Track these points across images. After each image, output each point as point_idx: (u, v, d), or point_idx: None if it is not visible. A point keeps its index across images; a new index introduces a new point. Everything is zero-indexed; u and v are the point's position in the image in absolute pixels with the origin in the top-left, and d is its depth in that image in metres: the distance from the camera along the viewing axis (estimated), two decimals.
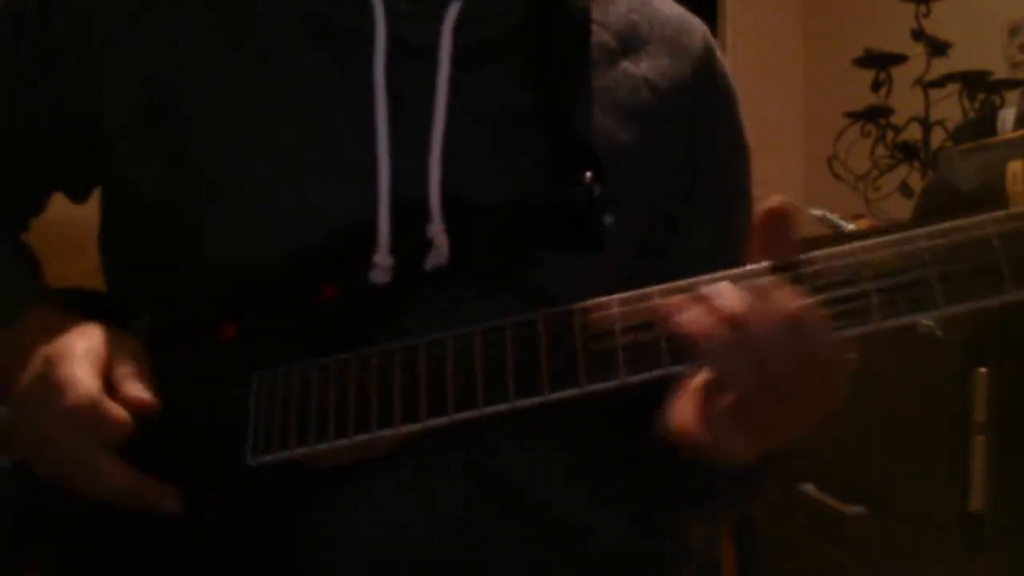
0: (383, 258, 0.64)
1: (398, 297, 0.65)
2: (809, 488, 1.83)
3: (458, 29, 0.68)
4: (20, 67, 0.74)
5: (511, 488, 0.68)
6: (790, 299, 0.54)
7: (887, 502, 1.66)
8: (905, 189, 2.29)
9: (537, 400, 0.58)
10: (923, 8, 2.34)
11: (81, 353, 0.62)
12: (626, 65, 0.74)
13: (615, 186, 0.69)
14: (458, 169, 0.67)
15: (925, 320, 0.55)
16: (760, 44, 2.95)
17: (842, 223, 2.12)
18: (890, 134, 2.39)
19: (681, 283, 0.58)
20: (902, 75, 2.36)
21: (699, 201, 0.77)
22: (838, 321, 0.55)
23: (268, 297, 0.67)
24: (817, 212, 2.16)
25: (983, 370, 1.44)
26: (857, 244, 0.57)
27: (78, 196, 0.79)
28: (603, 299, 0.60)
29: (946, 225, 0.56)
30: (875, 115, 2.37)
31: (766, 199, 0.58)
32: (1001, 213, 0.55)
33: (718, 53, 0.80)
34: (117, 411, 0.61)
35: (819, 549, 1.89)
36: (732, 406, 0.56)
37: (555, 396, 0.58)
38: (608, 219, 0.67)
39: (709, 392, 0.57)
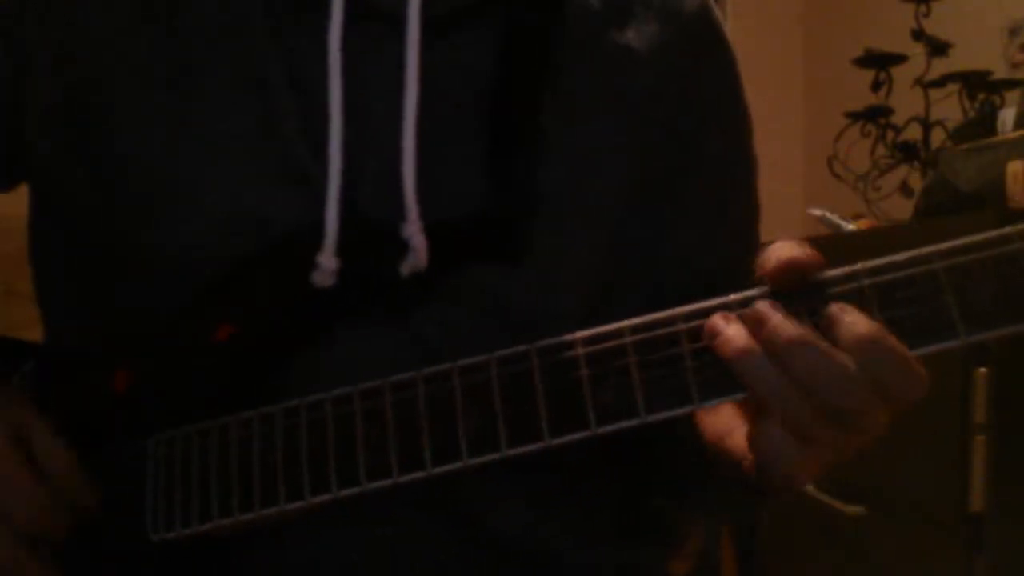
0: (328, 259, 0.56)
1: (341, 306, 0.57)
2: (809, 488, 1.83)
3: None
4: None
5: (467, 518, 0.62)
6: (856, 321, 0.47)
7: (887, 502, 1.66)
8: (905, 189, 2.28)
9: (493, 456, 0.51)
10: (923, 8, 2.34)
11: (7, 444, 0.56)
12: (612, 35, 0.66)
13: (583, 184, 0.63)
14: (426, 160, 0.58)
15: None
16: (760, 44, 2.96)
17: (842, 223, 2.11)
18: (890, 134, 2.38)
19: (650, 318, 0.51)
20: (902, 75, 2.36)
21: (694, 189, 0.69)
22: (907, 339, 0.48)
23: (166, 335, 0.59)
24: (817, 212, 2.16)
25: (983, 370, 1.44)
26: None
27: (1, 184, 0.71)
28: (566, 337, 0.52)
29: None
30: (875, 115, 2.37)
31: (771, 244, 0.52)
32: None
33: (714, 12, 0.71)
34: (58, 518, 0.56)
35: (819, 549, 1.88)
36: (784, 432, 0.49)
37: (475, 460, 0.52)
38: (543, 226, 0.60)
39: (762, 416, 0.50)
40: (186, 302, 0.59)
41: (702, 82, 0.69)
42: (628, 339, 0.51)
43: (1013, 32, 2.38)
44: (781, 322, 0.48)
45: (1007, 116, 1.90)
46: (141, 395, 0.60)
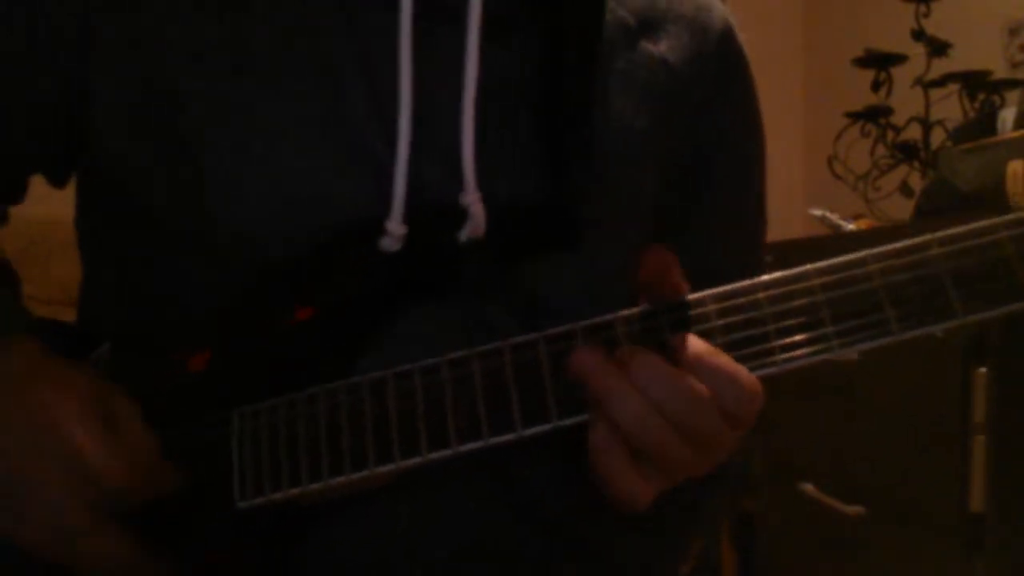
0: (396, 225, 0.60)
1: (411, 268, 0.61)
2: (809, 488, 1.84)
3: None
4: (5, 41, 0.66)
5: (533, 510, 0.65)
6: (693, 348, 0.53)
7: (887, 502, 1.66)
8: (905, 189, 2.28)
9: (547, 428, 0.55)
10: (923, 8, 2.34)
11: (85, 413, 0.57)
12: (645, 44, 0.71)
13: (627, 175, 0.67)
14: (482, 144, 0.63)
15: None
16: (760, 44, 2.94)
17: (842, 223, 2.12)
18: (890, 134, 2.38)
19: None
20: (902, 75, 2.36)
21: (708, 196, 0.74)
22: (747, 362, 0.54)
23: (241, 318, 0.62)
24: (817, 212, 2.16)
25: (983, 370, 1.44)
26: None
27: (59, 179, 0.73)
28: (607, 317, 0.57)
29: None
30: (875, 115, 2.37)
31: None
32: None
33: (737, 33, 0.77)
34: (129, 481, 0.57)
35: (819, 549, 1.88)
36: (632, 453, 0.54)
37: (565, 423, 0.56)
38: (591, 217, 0.64)
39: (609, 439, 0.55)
40: (258, 283, 0.62)
41: (724, 94, 0.74)
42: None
43: (1013, 32, 2.38)
44: (643, 356, 0.53)
45: (1007, 116, 1.90)
46: (219, 376, 0.62)
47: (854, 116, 2.41)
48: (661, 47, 0.72)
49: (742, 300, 0.55)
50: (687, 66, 0.72)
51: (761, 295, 0.55)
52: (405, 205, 0.60)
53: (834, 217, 2.13)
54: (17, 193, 0.75)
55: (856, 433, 1.77)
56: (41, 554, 0.57)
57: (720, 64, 0.74)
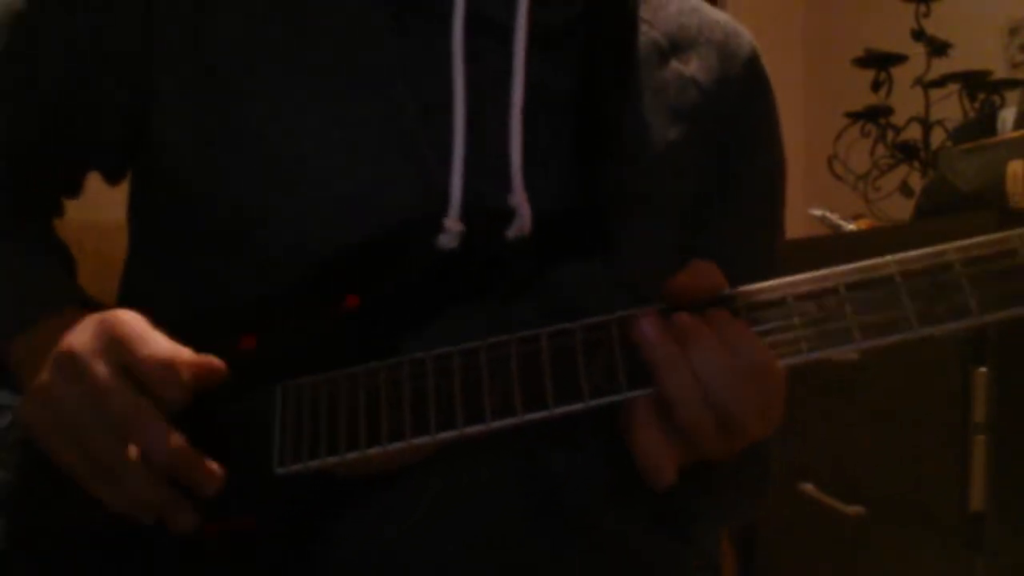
0: (453, 223, 0.64)
1: (465, 266, 0.64)
2: (809, 488, 1.84)
3: (531, 9, 0.67)
4: (71, 39, 0.70)
5: (556, 499, 0.67)
6: (738, 332, 0.57)
7: (887, 502, 1.66)
8: (905, 189, 2.28)
9: (579, 407, 0.58)
10: (923, 8, 2.34)
11: (141, 319, 0.59)
12: (675, 64, 0.76)
13: (658, 183, 0.71)
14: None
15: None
16: (760, 44, 2.95)
17: (842, 223, 2.11)
18: (890, 134, 2.38)
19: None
20: (902, 75, 2.36)
21: (729, 208, 0.78)
22: (777, 349, 0.58)
23: (291, 304, 0.65)
24: (817, 212, 2.16)
25: (983, 370, 1.44)
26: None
27: (114, 176, 0.76)
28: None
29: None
30: (875, 115, 2.37)
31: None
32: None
33: (762, 61, 0.82)
34: (190, 367, 0.58)
35: (819, 549, 1.88)
36: (671, 429, 0.58)
37: (595, 403, 0.58)
38: (622, 223, 0.67)
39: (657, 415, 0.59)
40: (308, 273, 0.65)
41: (748, 111, 0.79)
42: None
43: (1013, 32, 2.38)
44: (698, 328, 0.57)
45: (1007, 116, 1.90)
46: (266, 356, 0.65)
47: (854, 116, 2.41)
48: (691, 67, 0.76)
49: (768, 296, 0.59)
50: (715, 85, 0.77)
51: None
52: (462, 204, 0.64)
53: (834, 217, 2.13)
54: (75, 189, 0.78)
55: (856, 433, 1.77)
56: (82, 484, 0.58)
57: (745, 86, 0.79)
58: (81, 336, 0.58)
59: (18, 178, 0.74)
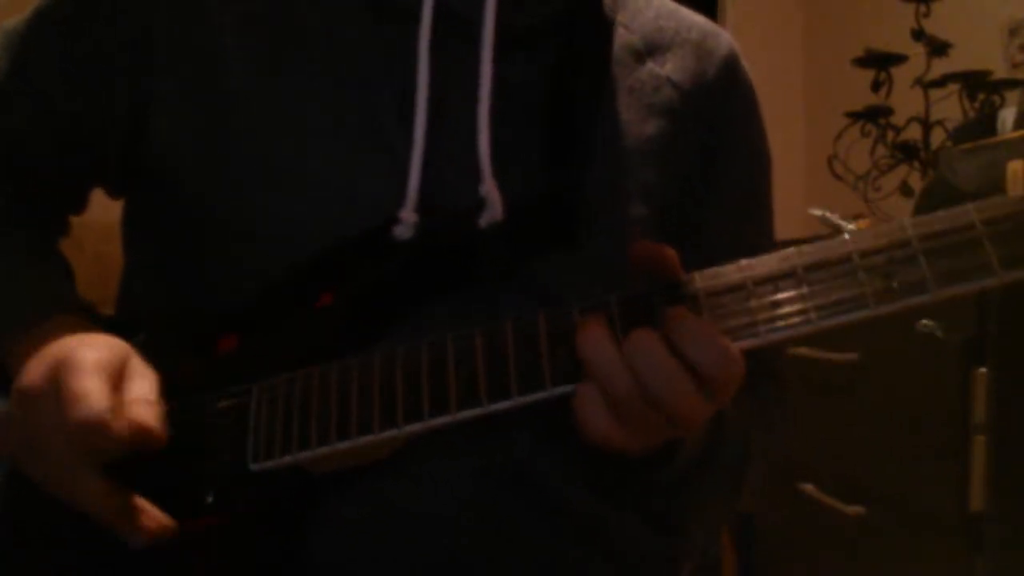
0: (408, 214, 0.65)
1: (428, 257, 0.65)
2: (809, 488, 1.84)
3: (499, 9, 0.69)
4: (73, 54, 0.72)
5: (529, 482, 0.68)
6: (683, 320, 0.56)
7: (887, 502, 1.67)
8: (905, 189, 2.28)
9: (541, 395, 0.58)
10: (923, 8, 2.34)
11: (94, 365, 0.59)
12: (651, 65, 0.77)
13: (634, 175, 0.72)
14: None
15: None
16: (760, 44, 2.96)
17: (842, 223, 2.12)
18: (890, 134, 2.39)
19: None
20: (902, 75, 2.36)
21: (714, 205, 0.78)
22: (733, 334, 0.57)
23: (269, 303, 0.67)
24: (817, 212, 2.16)
25: (983, 370, 1.44)
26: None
27: (117, 191, 0.78)
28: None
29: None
30: (875, 115, 2.37)
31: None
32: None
33: (742, 61, 0.82)
34: (119, 433, 0.58)
35: (819, 549, 1.89)
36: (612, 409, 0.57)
37: (558, 391, 0.58)
38: (594, 215, 0.68)
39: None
40: (285, 271, 0.66)
41: (728, 110, 0.80)
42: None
43: (1013, 32, 2.38)
44: (639, 336, 0.56)
45: (1007, 116, 1.90)
46: (245, 356, 0.66)
47: (854, 116, 2.41)
48: (667, 68, 0.78)
49: (727, 280, 0.58)
50: (692, 84, 0.78)
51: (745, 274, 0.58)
52: (419, 195, 0.65)
53: (834, 217, 2.12)
54: (80, 204, 0.80)
55: (856, 433, 1.77)
56: (48, 490, 0.61)
57: (723, 84, 0.80)
58: (34, 375, 0.60)
59: (21, 191, 0.75)
